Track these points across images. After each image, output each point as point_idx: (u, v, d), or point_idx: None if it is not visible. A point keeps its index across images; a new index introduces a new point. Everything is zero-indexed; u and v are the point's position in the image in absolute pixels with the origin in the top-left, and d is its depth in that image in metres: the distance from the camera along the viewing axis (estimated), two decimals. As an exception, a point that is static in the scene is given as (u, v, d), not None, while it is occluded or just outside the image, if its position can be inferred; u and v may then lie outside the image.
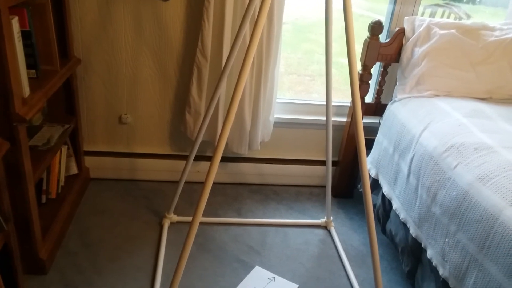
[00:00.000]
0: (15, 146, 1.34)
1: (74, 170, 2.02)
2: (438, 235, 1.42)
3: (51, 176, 1.79)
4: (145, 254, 1.77)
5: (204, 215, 2.00)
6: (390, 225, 1.77)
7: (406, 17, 1.96)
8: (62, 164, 1.88)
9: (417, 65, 1.88)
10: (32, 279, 1.58)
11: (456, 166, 1.42)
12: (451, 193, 1.38)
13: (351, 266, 1.81)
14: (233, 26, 1.86)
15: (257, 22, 1.14)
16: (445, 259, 1.37)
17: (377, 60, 1.99)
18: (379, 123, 2.00)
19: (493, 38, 1.90)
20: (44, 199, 1.80)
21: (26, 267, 1.56)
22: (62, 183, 1.91)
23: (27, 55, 1.46)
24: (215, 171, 1.22)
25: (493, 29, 1.93)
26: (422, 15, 2.46)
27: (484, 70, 1.88)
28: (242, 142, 2.09)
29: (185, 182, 1.88)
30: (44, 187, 1.78)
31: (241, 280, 1.70)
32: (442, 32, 1.87)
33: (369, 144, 1.96)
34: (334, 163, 2.26)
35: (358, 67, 2.01)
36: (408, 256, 1.61)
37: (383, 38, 2.09)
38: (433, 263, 1.43)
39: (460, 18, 2.68)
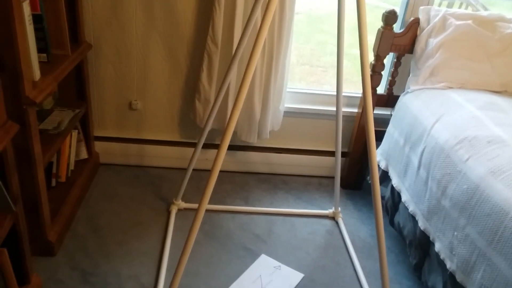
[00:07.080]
0: (25, 129, 1.35)
1: (84, 154, 2.04)
2: (447, 229, 1.40)
3: (61, 160, 1.81)
4: (152, 239, 1.78)
5: (211, 202, 2.00)
6: (399, 218, 1.75)
7: (421, 7, 1.92)
8: (72, 148, 1.89)
9: (431, 56, 1.85)
10: (40, 260, 1.60)
11: (467, 159, 1.39)
12: (462, 186, 1.36)
13: (358, 257, 1.81)
14: (245, 13, 1.84)
15: (268, 8, 1.12)
16: (453, 253, 1.35)
17: (391, 51, 1.96)
18: (391, 114, 1.97)
19: (510, 30, 1.85)
20: (54, 183, 1.82)
21: (35, 249, 1.58)
22: (72, 167, 1.92)
23: (38, 39, 1.46)
24: (223, 158, 1.21)
25: (510, 21, 1.89)
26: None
27: (500, 63, 1.84)
28: (251, 131, 2.08)
29: (194, 169, 1.88)
30: (54, 171, 1.80)
31: (247, 267, 1.70)
32: (457, 23, 1.83)
33: (380, 136, 1.94)
34: (344, 154, 2.25)
35: (371, 57, 1.98)
36: (415, 249, 1.60)
37: (397, 28, 2.05)
38: (441, 257, 1.41)
39: (477, 11, 2.62)
